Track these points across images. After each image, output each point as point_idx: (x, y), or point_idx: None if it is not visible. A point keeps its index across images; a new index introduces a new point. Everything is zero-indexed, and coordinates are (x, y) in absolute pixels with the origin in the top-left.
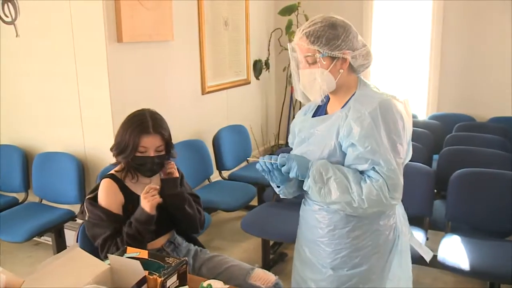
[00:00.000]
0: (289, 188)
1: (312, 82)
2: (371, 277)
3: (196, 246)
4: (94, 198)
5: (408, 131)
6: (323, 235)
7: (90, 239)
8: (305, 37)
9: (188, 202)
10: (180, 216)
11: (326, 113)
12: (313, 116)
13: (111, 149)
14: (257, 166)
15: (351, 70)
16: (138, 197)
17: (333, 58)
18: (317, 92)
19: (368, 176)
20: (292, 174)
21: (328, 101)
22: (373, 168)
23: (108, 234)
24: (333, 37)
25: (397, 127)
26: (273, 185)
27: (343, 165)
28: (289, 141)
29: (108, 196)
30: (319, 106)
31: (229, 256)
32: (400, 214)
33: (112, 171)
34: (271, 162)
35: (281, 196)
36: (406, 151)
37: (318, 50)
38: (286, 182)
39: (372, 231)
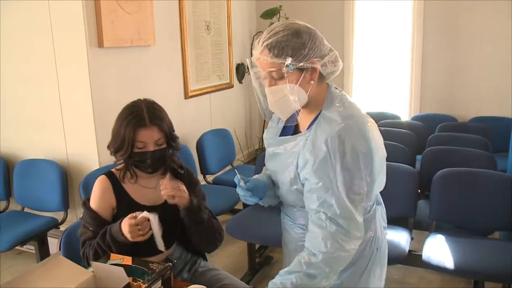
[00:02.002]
0: (270, 197)
1: (282, 100)
2: None
3: (193, 258)
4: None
5: (377, 159)
6: (297, 248)
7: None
8: (267, 50)
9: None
10: (197, 232)
11: (297, 125)
12: (285, 124)
13: (108, 147)
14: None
15: (320, 79)
16: (132, 201)
17: (301, 70)
18: (289, 110)
19: (320, 226)
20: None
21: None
22: (324, 212)
23: (90, 236)
24: (299, 46)
25: (356, 162)
26: (254, 202)
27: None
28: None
29: (98, 198)
30: (290, 116)
31: (223, 270)
32: (380, 223)
33: (112, 169)
34: (238, 183)
35: (266, 206)
36: (369, 183)
37: (284, 63)
38: (263, 194)
39: None
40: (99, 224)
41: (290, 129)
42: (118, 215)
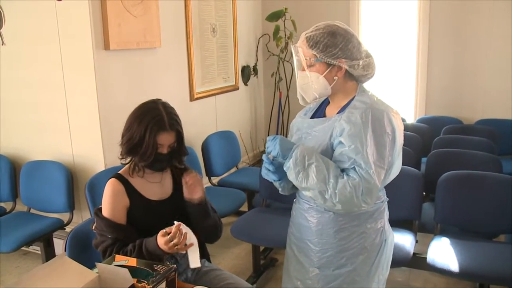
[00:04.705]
0: (288, 182)
1: (307, 84)
2: (356, 278)
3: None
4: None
5: (398, 144)
6: (311, 234)
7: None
8: (305, 40)
9: (210, 213)
10: (201, 226)
11: (324, 115)
12: (312, 117)
13: (121, 144)
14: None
15: (349, 78)
16: (142, 197)
17: (328, 65)
18: (311, 95)
19: (347, 174)
20: (273, 153)
21: (328, 104)
22: (354, 168)
23: (109, 243)
24: (331, 45)
25: (384, 138)
26: (273, 179)
27: None
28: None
29: (111, 201)
30: (318, 108)
31: (226, 271)
32: (386, 218)
33: (120, 172)
34: (266, 155)
35: (280, 192)
36: (390, 164)
37: (314, 54)
38: (284, 176)
39: (358, 233)
40: (116, 230)
41: (321, 116)
42: (131, 213)
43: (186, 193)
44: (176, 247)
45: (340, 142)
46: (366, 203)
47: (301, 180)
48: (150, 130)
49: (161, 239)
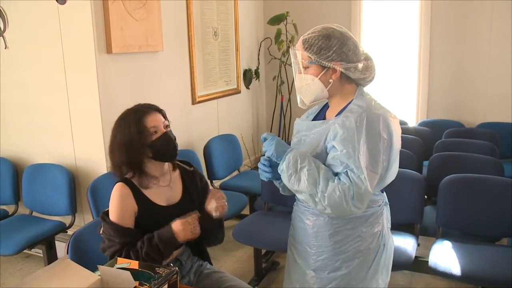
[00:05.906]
0: None
1: (304, 86)
2: (351, 282)
3: (199, 261)
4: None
5: (394, 148)
6: (308, 236)
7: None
8: (301, 43)
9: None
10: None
11: (325, 118)
12: (313, 120)
13: (113, 163)
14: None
15: (347, 81)
16: (151, 203)
17: (323, 67)
18: (308, 97)
19: (338, 178)
20: (268, 153)
21: (329, 107)
22: (346, 172)
23: (117, 248)
24: (325, 47)
25: (378, 143)
26: (267, 177)
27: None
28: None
29: (119, 206)
30: (320, 111)
31: (228, 273)
32: (386, 223)
33: (127, 176)
34: (264, 157)
35: (281, 192)
36: (386, 168)
37: (309, 57)
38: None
39: (354, 236)
40: (124, 234)
41: (321, 119)
42: (139, 219)
43: (212, 208)
44: (191, 227)
45: (333, 146)
46: (356, 207)
47: (293, 183)
48: (134, 122)
49: (177, 222)
